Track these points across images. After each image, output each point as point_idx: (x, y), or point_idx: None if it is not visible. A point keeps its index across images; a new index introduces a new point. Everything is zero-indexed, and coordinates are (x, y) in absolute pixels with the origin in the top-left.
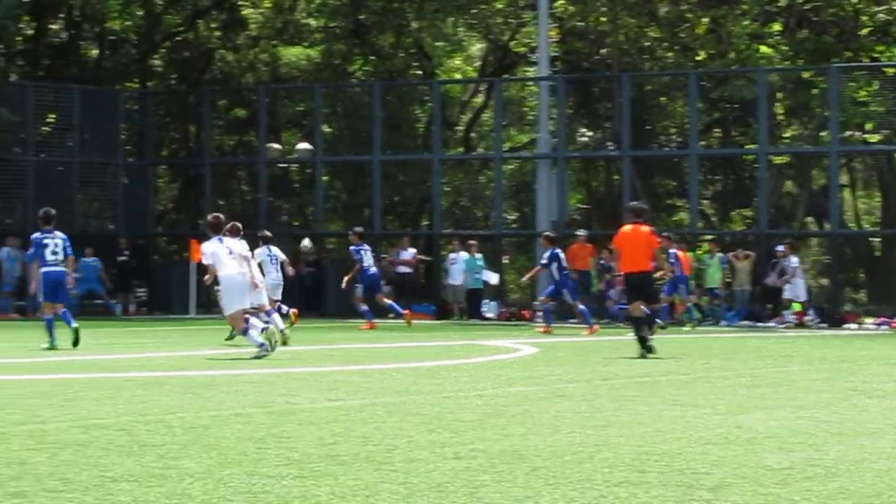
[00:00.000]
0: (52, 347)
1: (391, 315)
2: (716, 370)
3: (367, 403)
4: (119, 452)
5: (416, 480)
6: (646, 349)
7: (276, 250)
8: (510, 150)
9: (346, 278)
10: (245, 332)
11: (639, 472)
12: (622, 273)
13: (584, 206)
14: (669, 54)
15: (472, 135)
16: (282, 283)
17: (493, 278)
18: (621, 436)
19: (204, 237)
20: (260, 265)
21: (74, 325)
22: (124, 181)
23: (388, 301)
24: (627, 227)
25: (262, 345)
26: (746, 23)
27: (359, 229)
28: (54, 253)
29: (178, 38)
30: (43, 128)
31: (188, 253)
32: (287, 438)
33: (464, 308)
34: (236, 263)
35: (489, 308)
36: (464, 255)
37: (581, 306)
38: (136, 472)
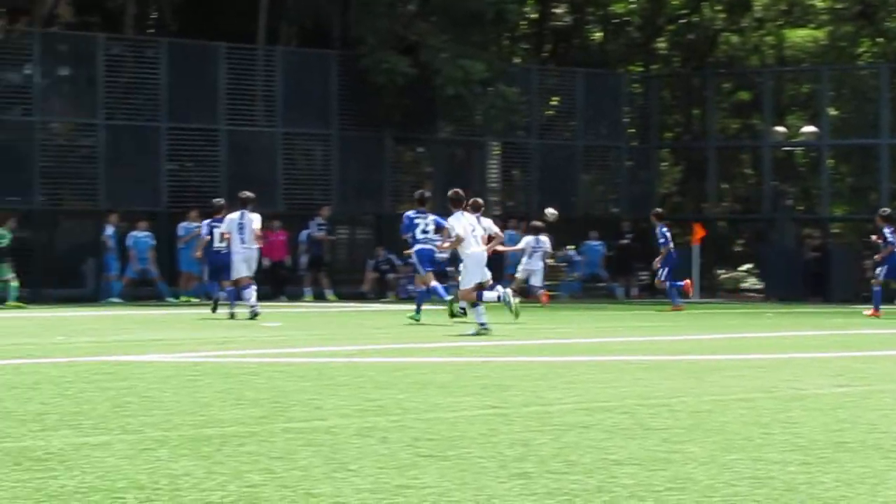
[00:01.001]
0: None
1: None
2: None
3: (874, 390)
4: (623, 435)
5: None
6: None
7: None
8: None
9: (655, 260)
10: (475, 306)
11: None
12: None
13: None
14: None
15: None
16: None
17: None
18: None
19: (705, 222)
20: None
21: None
22: (628, 164)
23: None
24: None
25: (483, 324)
26: None
27: (659, 210)
28: (424, 231)
29: (682, 21)
30: (547, 111)
31: (690, 236)
32: (792, 424)
33: None
34: (475, 240)
35: None
36: None
37: None
38: (640, 455)
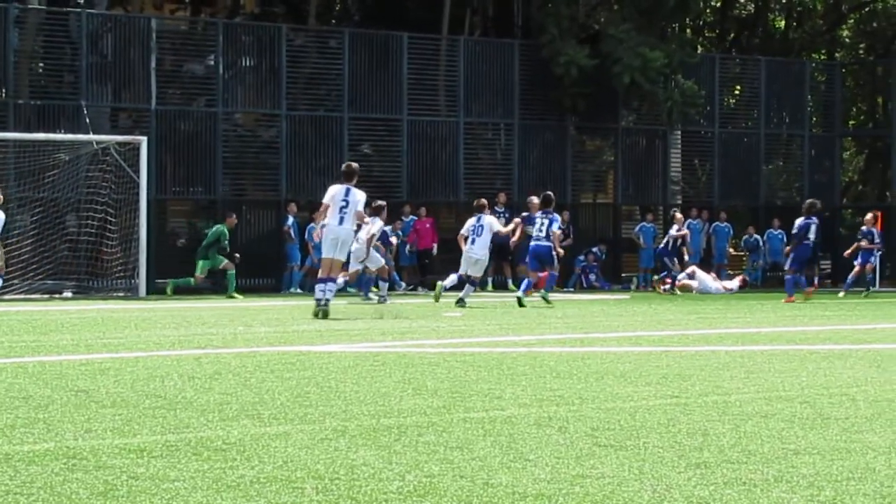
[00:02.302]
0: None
1: None
2: None
3: None
4: (802, 425)
5: None
6: None
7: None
8: None
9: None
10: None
11: None
12: None
13: None
14: None
15: None
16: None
17: None
18: None
19: (889, 210)
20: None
21: None
22: (811, 153)
23: None
24: None
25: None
26: None
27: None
28: (539, 230)
29: (866, 9)
30: (729, 100)
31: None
32: None
33: None
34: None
35: None
36: None
37: None
38: (819, 445)
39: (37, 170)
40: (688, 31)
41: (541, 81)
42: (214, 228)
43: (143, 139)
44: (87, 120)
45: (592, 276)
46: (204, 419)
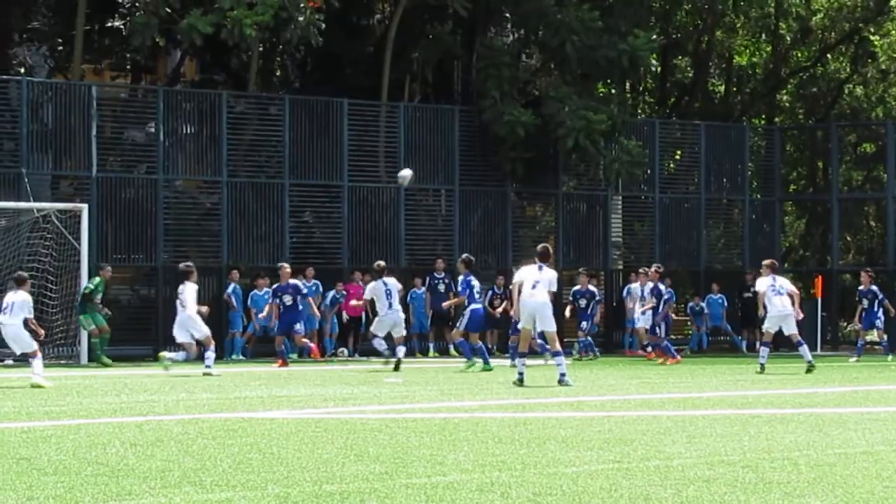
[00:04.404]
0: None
1: None
2: None
3: None
4: (744, 490)
5: None
6: None
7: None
8: None
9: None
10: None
11: None
12: None
13: None
14: None
15: None
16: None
17: None
18: None
19: (829, 275)
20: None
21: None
22: (751, 217)
23: None
24: None
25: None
26: None
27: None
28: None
29: (806, 74)
30: (669, 165)
31: (814, 290)
32: None
33: None
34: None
35: None
36: None
37: None
38: None
39: None
40: (628, 95)
41: (480, 146)
42: (94, 281)
43: (84, 206)
44: (28, 188)
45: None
46: (146, 486)
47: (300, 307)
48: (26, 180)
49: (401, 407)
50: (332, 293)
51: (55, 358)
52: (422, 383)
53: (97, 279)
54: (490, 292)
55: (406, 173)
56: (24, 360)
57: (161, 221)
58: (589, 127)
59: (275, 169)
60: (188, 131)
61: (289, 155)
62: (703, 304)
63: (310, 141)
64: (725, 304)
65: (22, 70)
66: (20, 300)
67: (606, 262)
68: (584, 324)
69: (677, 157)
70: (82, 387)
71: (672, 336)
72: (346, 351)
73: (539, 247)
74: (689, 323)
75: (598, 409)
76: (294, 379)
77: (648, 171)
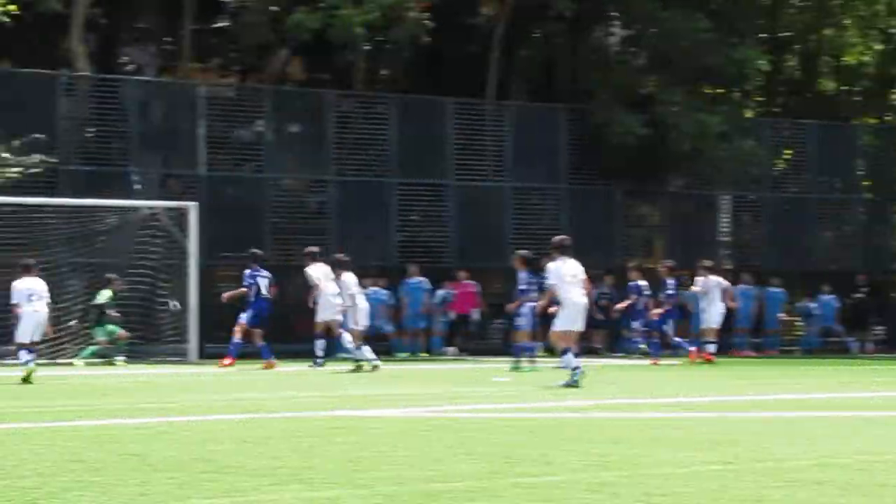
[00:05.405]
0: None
1: None
2: None
3: None
4: (857, 492)
5: None
6: None
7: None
8: None
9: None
10: (564, 353)
11: None
12: None
13: None
14: None
15: None
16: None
17: None
18: None
19: None
20: None
21: None
22: (862, 217)
23: None
24: None
25: (576, 368)
26: None
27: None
28: None
29: None
30: (779, 164)
31: None
32: None
33: None
34: (576, 286)
35: None
36: None
37: None
38: None
39: (87, 235)
40: (737, 95)
41: (587, 146)
42: (101, 295)
43: (193, 205)
44: (137, 186)
45: (643, 343)
46: (255, 483)
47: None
48: (135, 179)
49: (509, 406)
50: (442, 292)
51: (165, 356)
52: (529, 383)
53: (108, 293)
54: (597, 292)
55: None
56: (127, 358)
57: (268, 220)
58: (703, 129)
59: (381, 168)
60: (295, 130)
61: (395, 154)
62: (815, 305)
63: (416, 140)
64: (837, 304)
65: (130, 70)
66: (42, 286)
67: (715, 262)
68: (636, 322)
69: (787, 156)
70: (192, 383)
71: (782, 336)
72: (453, 350)
73: (565, 239)
74: (799, 323)
75: (708, 410)
76: (401, 377)
77: (758, 171)
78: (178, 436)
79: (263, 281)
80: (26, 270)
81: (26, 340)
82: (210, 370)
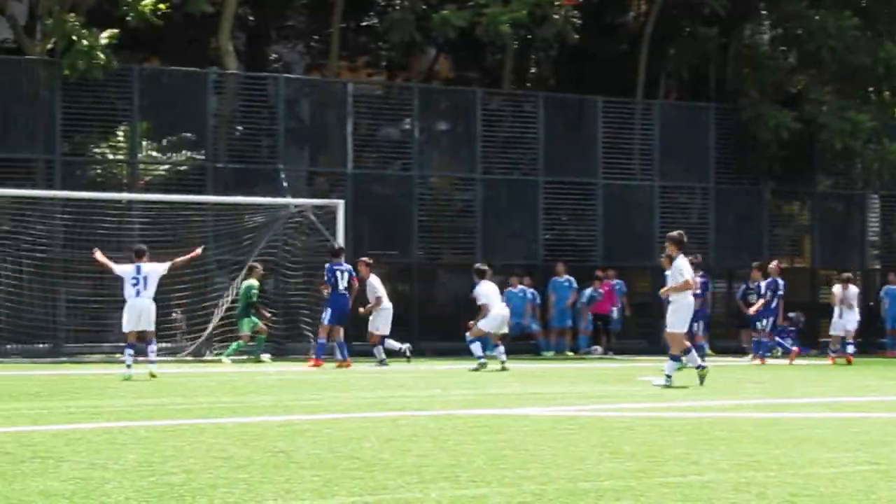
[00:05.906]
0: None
1: None
2: None
3: None
4: None
5: None
6: None
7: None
8: None
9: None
10: (676, 358)
11: None
12: None
13: None
14: None
15: None
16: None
17: None
18: None
19: None
20: None
21: None
22: None
23: None
24: None
25: (669, 377)
26: None
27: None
28: None
29: None
30: None
31: None
32: None
33: None
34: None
35: None
36: None
37: None
38: None
39: (235, 232)
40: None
41: (736, 145)
42: (244, 286)
43: (340, 202)
44: (285, 183)
45: (788, 342)
46: (401, 481)
47: None
48: (283, 176)
49: (654, 405)
50: (588, 290)
51: (305, 353)
52: (676, 382)
53: (256, 283)
54: (744, 286)
55: None
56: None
57: (416, 218)
58: (854, 128)
59: (529, 166)
60: (443, 128)
61: (543, 153)
62: None
63: (564, 138)
64: None
65: (279, 67)
66: (151, 270)
67: (863, 261)
68: (760, 323)
69: None
70: (337, 381)
71: None
72: (598, 349)
73: (681, 234)
74: None
75: (856, 410)
76: (547, 376)
77: None
78: (323, 433)
79: (343, 275)
80: (139, 256)
81: (127, 331)
82: (357, 367)
